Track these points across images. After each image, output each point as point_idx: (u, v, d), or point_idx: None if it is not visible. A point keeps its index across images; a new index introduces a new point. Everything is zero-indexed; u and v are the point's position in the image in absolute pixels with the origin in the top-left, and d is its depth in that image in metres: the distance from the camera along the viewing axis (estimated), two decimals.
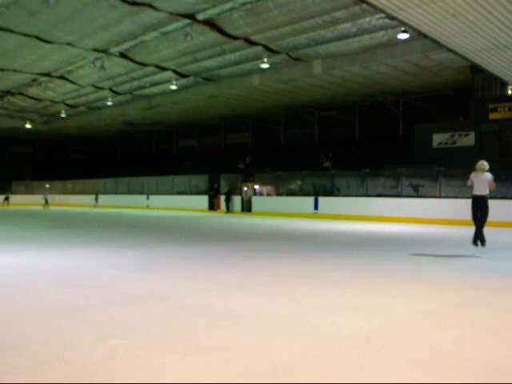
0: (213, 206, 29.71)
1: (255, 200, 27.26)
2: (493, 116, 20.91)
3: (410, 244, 11.36)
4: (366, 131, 29.73)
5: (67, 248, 9.78)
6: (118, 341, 3.59)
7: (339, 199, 23.15)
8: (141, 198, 35.10)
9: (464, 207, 18.14)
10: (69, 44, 20.45)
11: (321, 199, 23.47)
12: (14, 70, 24.49)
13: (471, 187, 9.23)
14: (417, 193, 20.92)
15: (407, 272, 7.07)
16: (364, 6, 14.54)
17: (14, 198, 38.99)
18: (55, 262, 7.91)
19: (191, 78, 25.35)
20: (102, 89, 28.13)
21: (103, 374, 2.96)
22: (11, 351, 3.36)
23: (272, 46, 20.09)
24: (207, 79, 25.51)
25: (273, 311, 4.60)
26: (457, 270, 7.28)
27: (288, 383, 2.86)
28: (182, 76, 24.97)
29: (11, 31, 18.82)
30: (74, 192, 43.24)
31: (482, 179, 9.02)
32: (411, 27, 10.45)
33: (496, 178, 9.22)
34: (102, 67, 22.53)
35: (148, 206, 34.34)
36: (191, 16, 17.21)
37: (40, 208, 35.59)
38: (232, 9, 16.55)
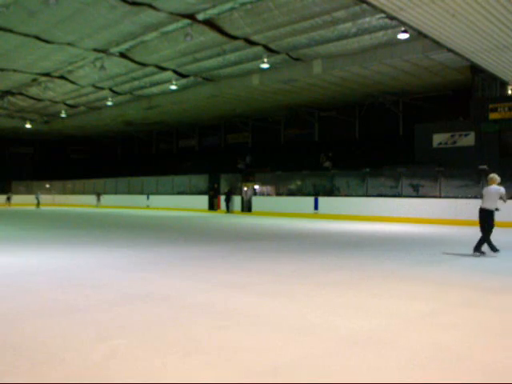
0: (213, 205, 29.71)
1: (255, 200, 27.26)
2: (493, 116, 20.90)
3: (409, 244, 11.36)
4: (365, 131, 29.72)
5: (67, 248, 9.78)
6: (118, 341, 3.59)
7: (339, 199, 23.15)
8: (141, 198, 35.10)
9: (464, 207, 18.24)
10: (69, 44, 20.44)
11: (321, 199, 23.47)
12: (14, 70, 24.48)
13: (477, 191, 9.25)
14: (417, 193, 20.92)
15: (407, 272, 7.07)
16: (364, 5, 14.54)
17: (14, 198, 38.99)
18: (55, 262, 7.91)
19: (191, 78, 25.34)
20: (102, 89, 28.13)
21: (103, 374, 2.96)
22: (11, 351, 3.36)
23: (272, 46, 20.09)
24: (207, 79, 25.50)
25: (273, 311, 4.60)
26: (457, 270, 7.29)
27: (288, 383, 2.86)
28: (182, 76, 24.97)
29: (11, 31, 18.81)
30: (74, 192, 43.25)
31: (487, 192, 9.00)
32: (411, 27, 10.45)
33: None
34: (102, 67, 22.52)
35: (148, 206, 34.34)
36: (191, 16, 17.21)
37: (33, 208, 35.59)
38: (232, 9, 16.54)
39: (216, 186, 29.84)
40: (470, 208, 17.68)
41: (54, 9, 16.42)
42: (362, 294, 5.40)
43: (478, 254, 8.97)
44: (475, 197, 18.53)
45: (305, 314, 4.50)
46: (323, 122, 31.91)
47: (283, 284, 6.04)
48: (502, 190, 8.97)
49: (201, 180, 31.70)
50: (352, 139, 30.00)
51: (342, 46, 19.55)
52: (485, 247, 9.02)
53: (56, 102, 31.71)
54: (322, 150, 29.15)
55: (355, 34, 18.20)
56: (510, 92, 20.99)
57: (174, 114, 33.19)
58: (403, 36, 16.38)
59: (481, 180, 18.60)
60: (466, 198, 18.83)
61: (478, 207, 9.11)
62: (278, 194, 26.80)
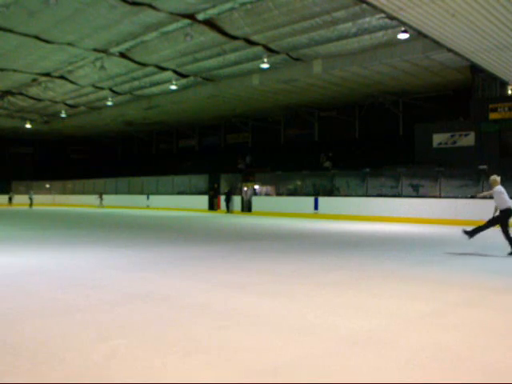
0: (213, 205, 29.71)
1: (255, 200, 27.26)
2: (493, 116, 20.90)
3: (409, 244, 11.36)
4: (365, 131, 29.72)
5: (67, 248, 9.78)
6: (118, 341, 3.59)
7: (339, 199, 23.15)
8: (141, 198, 35.09)
9: (464, 207, 18.24)
10: (69, 44, 20.44)
11: (321, 199, 23.47)
12: (14, 70, 24.48)
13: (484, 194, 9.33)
14: (417, 193, 20.93)
15: (407, 272, 7.07)
16: (364, 5, 14.54)
17: (15, 198, 38.96)
18: (55, 262, 7.91)
19: (191, 78, 25.35)
20: (102, 89, 28.13)
21: (103, 374, 2.96)
22: (11, 351, 3.36)
23: (272, 46, 20.09)
24: (207, 79, 25.51)
25: (273, 311, 4.60)
26: (457, 270, 7.28)
27: (288, 383, 2.86)
28: (182, 76, 24.97)
29: (11, 31, 18.81)
30: (74, 192, 43.25)
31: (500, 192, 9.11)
32: (411, 27, 10.45)
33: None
34: (102, 67, 22.52)
35: (148, 206, 34.34)
36: (191, 16, 17.21)
37: (26, 208, 35.56)
38: (232, 9, 16.54)
39: (216, 185, 29.83)
40: (469, 208, 17.76)
41: (54, 9, 16.43)
42: (362, 294, 5.40)
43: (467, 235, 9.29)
44: (475, 197, 18.54)
45: (305, 314, 4.50)
46: (323, 122, 31.91)
47: (283, 284, 6.04)
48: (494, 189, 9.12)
49: (201, 180, 31.70)
50: (352, 139, 30.00)
51: (342, 46, 19.56)
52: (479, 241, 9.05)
53: (56, 102, 31.71)
54: (322, 150, 29.15)
55: (355, 34, 18.20)
56: (510, 92, 20.99)
57: (174, 114, 33.19)
58: (403, 36, 16.38)
59: (481, 180, 18.61)
60: (466, 198, 18.84)
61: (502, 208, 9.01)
62: (278, 194, 26.81)
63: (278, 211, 24.98)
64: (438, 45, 12.19)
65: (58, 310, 4.59)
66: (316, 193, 24.42)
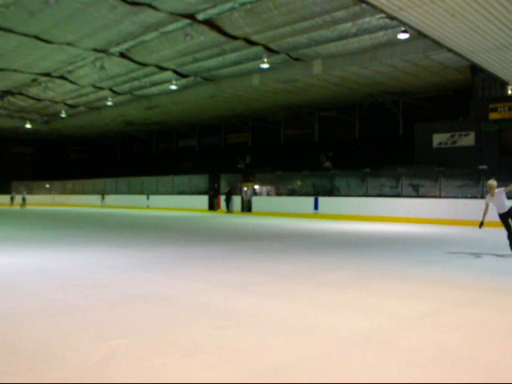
0: (213, 205, 29.71)
1: (255, 200, 27.26)
2: (493, 116, 20.90)
3: (409, 244, 11.36)
4: (365, 131, 29.71)
5: (67, 248, 9.78)
6: (118, 341, 3.59)
7: (339, 199, 23.15)
8: (141, 198, 35.09)
9: (464, 207, 18.24)
10: (69, 44, 20.44)
11: (321, 199, 23.47)
12: (14, 70, 24.48)
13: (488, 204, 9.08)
14: (417, 193, 20.92)
15: (407, 272, 7.07)
16: (364, 5, 14.54)
17: (17, 198, 38.93)
18: (55, 262, 7.91)
19: (191, 78, 25.34)
20: (102, 89, 28.13)
21: (103, 373, 2.96)
22: (11, 351, 3.36)
23: (272, 46, 20.09)
24: (207, 79, 25.50)
25: (273, 311, 4.60)
26: (457, 270, 7.28)
27: (288, 383, 2.86)
28: (182, 76, 24.97)
29: (11, 31, 18.81)
30: (74, 192, 43.25)
31: (496, 197, 8.95)
32: (411, 27, 10.45)
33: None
34: (102, 67, 22.52)
35: (148, 206, 34.34)
36: (191, 16, 17.21)
37: (18, 208, 35.50)
38: (232, 9, 16.54)
39: (216, 185, 29.83)
40: (469, 208, 17.75)
41: (54, 9, 16.43)
42: (362, 294, 5.40)
43: None
44: (475, 197, 18.54)
45: (305, 314, 4.50)
46: (323, 122, 31.90)
47: (283, 284, 6.04)
48: (501, 189, 9.02)
49: (201, 180, 31.70)
50: (352, 139, 29.99)
51: (342, 46, 19.55)
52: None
53: (56, 102, 31.71)
54: (322, 150, 29.15)
55: (355, 34, 18.20)
56: (510, 92, 20.98)
57: (174, 113, 33.18)
58: (403, 36, 16.37)
59: (481, 180, 18.61)
60: (466, 198, 18.84)
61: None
62: (278, 193, 26.80)
63: (278, 211, 24.98)
64: (438, 45, 12.19)
65: (58, 310, 4.59)
66: (316, 193, 24.42)
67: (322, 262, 8.17)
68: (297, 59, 21.59)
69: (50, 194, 44.41)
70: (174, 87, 25.63)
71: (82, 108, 33.44)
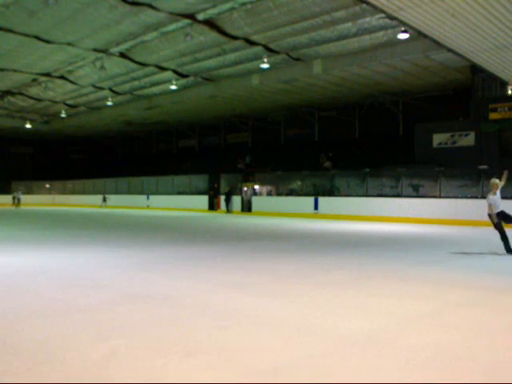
0: (213, 205, 29.71)
1: (255, 200, 27.26)
2: (493, 116, 20.90)
3: (409, 244, 11.36)
4: (365, 131, 29.72)
5: (67, 248, 9.78)
6: (118, 341, 3.59)
7: (339, 199, 23.15)
8: (141, 198, 35.09)
9: (464, 207, 18.25)
10: (69, 44, 20.44)
11: (321, 199, 23.47)
12: (14, 70, 24.48)
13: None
14: (417, 193, 20.92)
15: (407, 272, 7.07)
16: (364, 5, 14.55)
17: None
18: (55, 262, 7.91)
19: (191, 78, 25.34)
20: (102, 89, 28.13)
21: (103, 374, 2.96)
22: (11, 351, 3.36)
23: (272, 46, 20.09)
24: (207, 79, 25.51)
25: (273, 311, 4.60)
26: (457, 270, 7.28)
27: (288, 383, 2.86)
28: (182, 76, 24.97)
29: (11, 31, 18.81)
30: (74, 192, 43.24)
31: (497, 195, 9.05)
32: (411, 27, 10.45)
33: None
34: (102, 67, 22.52)
35: (148, 206, 34.34)
36: (191, 16, 17.21)
37: (12, 208, 35.47)
38: (232, 9, 16.54)
39: (216, 185, 29.83)
40: (469, 208, 17.76)
41: (54, 9, 16.44)
42: (362, 294, 5.40)
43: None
44: (475, 197, 18.54)
45: (305, 314, 4.50)
46: (323, 122, 31.90)
47: (283, 284, 6.04)
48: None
49: (201, 180, 31.69)
50: (352, 139, 30.00)
51: (342, 46, 19.56)
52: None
53: (56, 102, 31.71)
54: (322, 150, 29.15)
55: (355, 34, 18.20)
56: (510, 92, 20.99)
57: (174, 113, 33.19)
58: (403, 36, 16.38)
59: (481, 180, 18.61)
60: (466, 198, 18.84)
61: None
62: (278, 193, 26.80)
63: (278, 211, 24.98)
64: (438, 45, 12.18)
65: (58, 310, 4.59)
66: (316, 193, 24.42)
67: (322, 261, 8.17)
68: (297, 59, 21.59)
69: (49, 194, 44.40)
70: (174, 87, 25.64)
71: (82, 108, 33.44)
